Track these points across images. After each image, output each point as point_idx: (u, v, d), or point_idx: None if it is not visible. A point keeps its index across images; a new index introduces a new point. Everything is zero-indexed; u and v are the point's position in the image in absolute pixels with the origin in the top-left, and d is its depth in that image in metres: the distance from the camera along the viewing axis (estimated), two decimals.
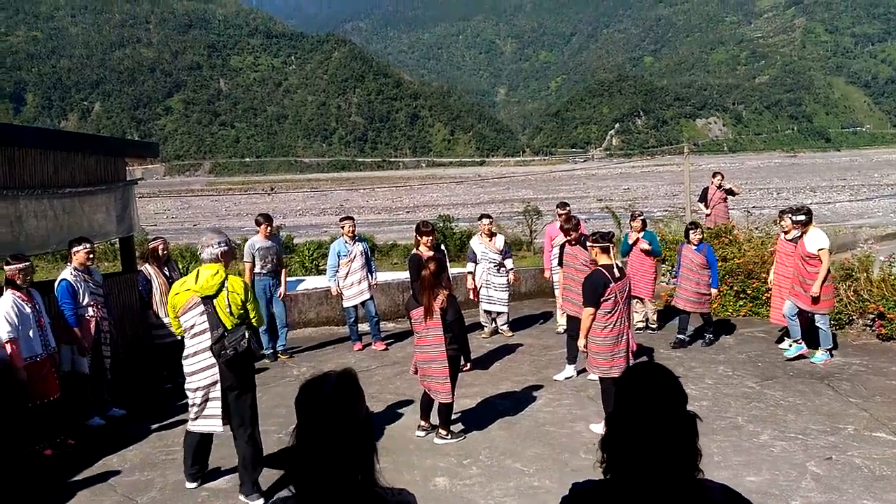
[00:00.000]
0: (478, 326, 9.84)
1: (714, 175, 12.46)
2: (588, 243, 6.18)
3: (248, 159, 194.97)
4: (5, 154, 6.70)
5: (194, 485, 5.19)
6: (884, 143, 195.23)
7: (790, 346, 7.97)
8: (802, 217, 7.67)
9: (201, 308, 4.81)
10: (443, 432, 5.91)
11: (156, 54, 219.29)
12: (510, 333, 9.55)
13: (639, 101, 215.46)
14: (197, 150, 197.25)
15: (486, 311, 9.58)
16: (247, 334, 4.86)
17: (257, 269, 8.65)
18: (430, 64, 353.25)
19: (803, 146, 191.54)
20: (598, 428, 5.90)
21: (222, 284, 4.83)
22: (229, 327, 4.78)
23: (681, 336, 8.68)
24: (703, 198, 12.52)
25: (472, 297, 9.56)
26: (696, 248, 8.52)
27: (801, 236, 7.75)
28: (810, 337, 8.25)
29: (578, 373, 7.54)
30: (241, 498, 4.93)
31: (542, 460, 5.47)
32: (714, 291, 8.67)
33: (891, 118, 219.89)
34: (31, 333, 5.81)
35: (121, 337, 7.50)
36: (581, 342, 5.95)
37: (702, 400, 6.62)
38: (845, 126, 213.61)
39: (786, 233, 8.21)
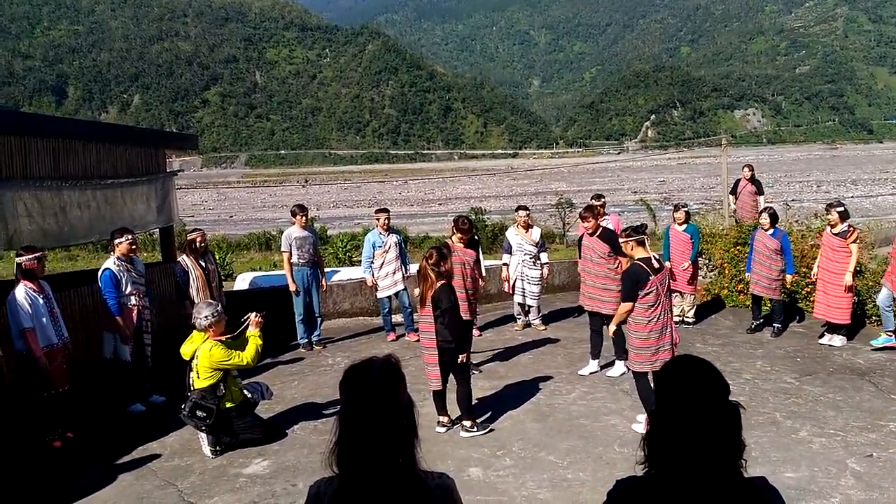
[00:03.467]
0: (510, 319, 9.83)
1: (744, 167, 12.47)
2: (621, 239, 6.09)
3: (282, 151, 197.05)
4: (50, 145, 6.86)
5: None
6: None
7: (880, 335, 7.83)
8: None
9: (189, 367, 5.80)
10: (466, 423, 5.89)
11: (193, 48, 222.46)
12: (543, 327, 9.51)
13: (675, 92, 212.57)
14: (233, 142, 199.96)
15: (519, 304, 9.56)
16: (192, 400, 5.62)
17: (294, 259, 8.78)
18: (463, 56, 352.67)
19: (844, 138, 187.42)
20: (640, 428, 5.78)
21: (195, 353, 5.70)
22: (195, 388, 5.66)
23: (756, 321, 8.94)
24: (735, 190, 12.53)
25: (506, 289, 9.54)
26: (770, 233, 8.60)
27: None
28: (853, 331, 8.13)
29: (602, 367, 7.46)
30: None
31: (575, 453, 5.46)
32: (790, 277, 8.73)
33: None
34: (45, 322, 5.91)
35: (161, 325, 7.65)
36: (612, 328, 5.99)
37: (739, 395, 6.54)
38: (888, 117, 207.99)
39: (832, 227, 8.03)
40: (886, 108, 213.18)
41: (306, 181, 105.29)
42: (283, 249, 8.96)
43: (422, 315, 5.89)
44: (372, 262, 9.10)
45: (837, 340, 8.07)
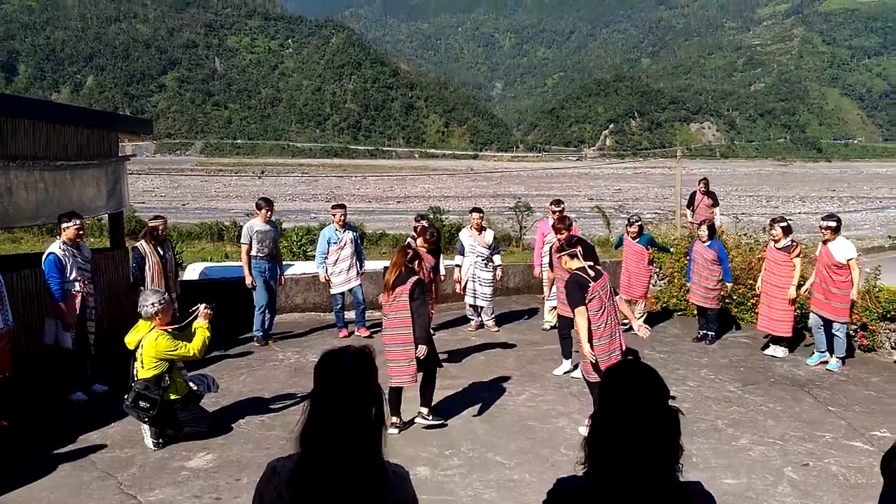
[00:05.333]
0: (465, 320, 9.86)
1: (700, 181, 12.74)
2: (555, 257, 6.28)
3: (239, 141, 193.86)
4: None
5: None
6: (875, 156, 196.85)
7: (813, 353, 8.06)
8: (834, 223, 7.70)
9: (133, 357, 5.63)
10: (424, 411, 6.02)
11: (152, 30, 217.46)
12: (496, 329, 9.56)
13: (634, 103, 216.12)
14: (189, 129, 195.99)
15: (471, 306, 9.59)
16: (136, 390, 5.48)
17: (254, 253, 8.63)
18: (427, 54, 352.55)
19: (795, 155, 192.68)
20: (585, 430, 5.86)
21: (140, 342, 5.54)
22: (139, 378, 5.51)
23: (702, 331, 9.08)
24: (691, 203, 12.78)
25: (458, 289, 9.56)
26: (707, 245, 8.85)
27: (826, 242, 7.76)
28: (794, 343, 8.37)
29: (575, 367, 7.53)
30: None
31: (522, 454, 5.50)
32: (729, 286, 9.00)
33: (883, 132, 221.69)
34: None
35: (106, 313, 7.47)
36: (587, 349, 5.74)
37: (683, 402, 6.67)
38: (837, 137, 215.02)
39: (775, 241, 8.26)
40: (836, 128, 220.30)
41: (263, 172, 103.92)
42: (242, 241, 8.79)
43: (398, 311, 5.80)
44: (326, 258, 9.01)
45: (780, 352, 8.30)
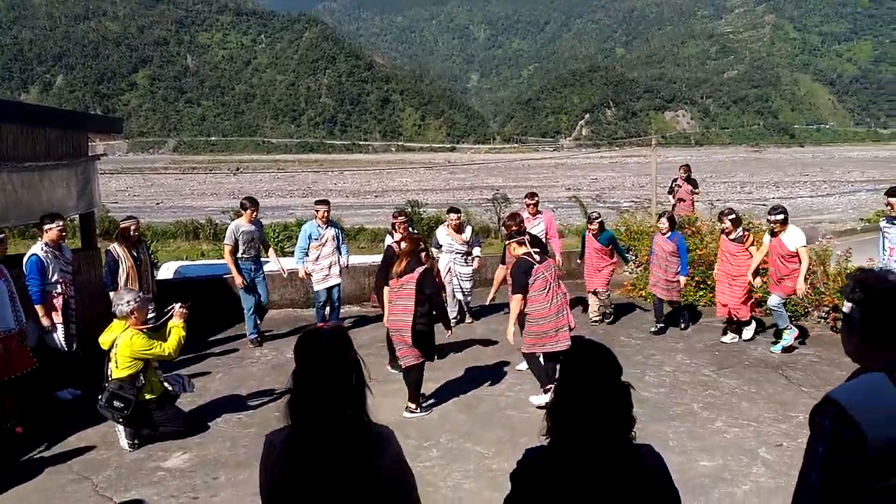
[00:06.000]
0: None
1: (680, 168, 12.75)
2: (506, 242, 6.79)
3: (213, 138, 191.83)
4: None
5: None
6: (846, 140, 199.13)
7: (782, 338, 7.98)
8: (780, 216, 7.71)
9: (108, 357, 5.58)
10: (412, 406, 6.20)
11: (121, 28, 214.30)
12: (470, 320, 9.60)
13: (609, 92, 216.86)
14: (161, 127, 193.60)
15: (450, 299, 9.58)
16: (110, 390, 5.44)
17: (239, 254, 8.46)
18: (402, 47, 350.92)
19: (768, 141, 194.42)
20: (537, 399, 6.35)
21: (114, 342, 5.50)
22: (113, 378, 5.47)
23: (659, 324, 8.90)
24: (672, 190, 12.80)
25: (437, 282, 9.54)
26: (667, 236, 8.78)
27: (777, 234, 7.78)
28: (766, 325, 8.48)
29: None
30: None
31: (501, 443, 5.54)
32: (683, 279, 8.85)
33: (854, 116, 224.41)
34: (2, 308, 5.69)
35: (80, 314, 7.36)
36: (510, 331, 6.25)
37: (660, 387, 6.75)
38: (809, 123, 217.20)
39: (727, 233, 8.30)
40: (808, 113, 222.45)
41: (238, 169, 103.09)
42: (225, 242, 8.59)
43: (401, 298, 6.04)
44: (307, 254, 8.92)
45: (747, 332, 8.35)
